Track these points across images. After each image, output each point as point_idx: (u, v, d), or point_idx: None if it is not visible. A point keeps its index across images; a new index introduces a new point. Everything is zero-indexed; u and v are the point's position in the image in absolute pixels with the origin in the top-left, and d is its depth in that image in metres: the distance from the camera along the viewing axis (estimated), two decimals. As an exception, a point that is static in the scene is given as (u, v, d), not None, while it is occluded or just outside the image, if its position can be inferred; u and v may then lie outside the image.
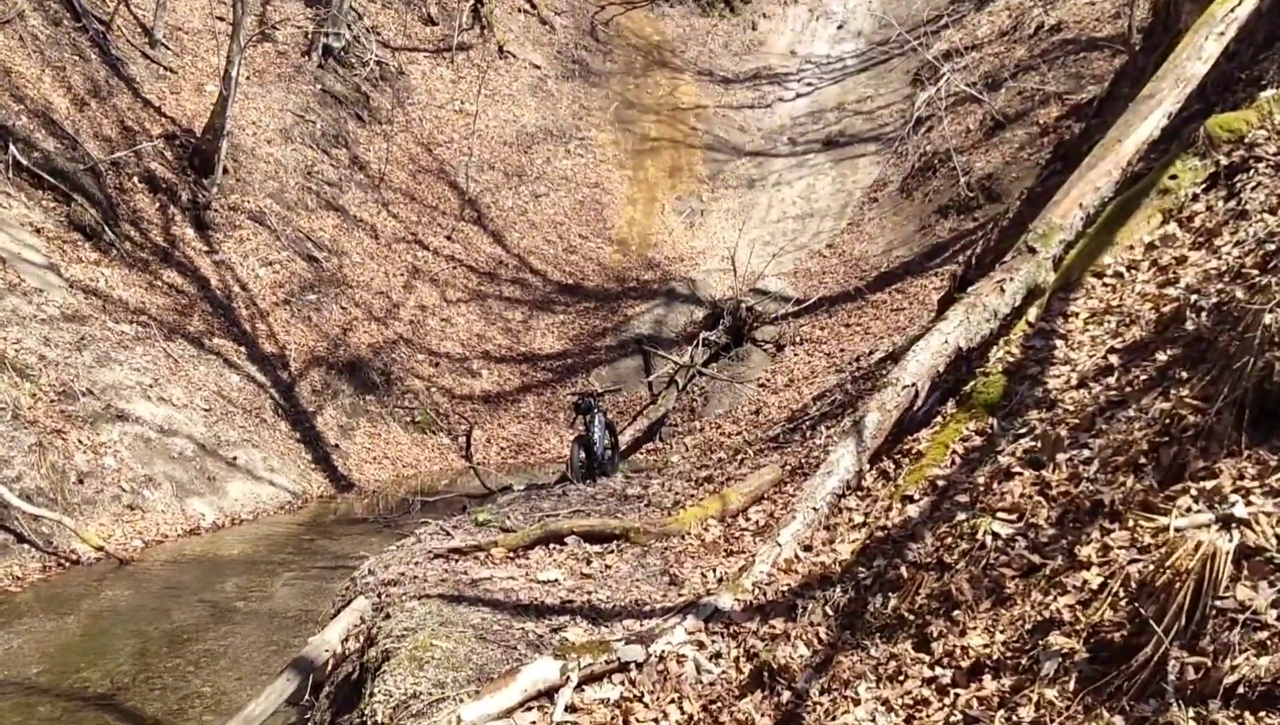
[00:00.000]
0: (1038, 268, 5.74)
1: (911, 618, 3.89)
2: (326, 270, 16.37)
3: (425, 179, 19.95)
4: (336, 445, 13.70)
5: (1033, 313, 5.34)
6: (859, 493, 5.31)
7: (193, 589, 8.73)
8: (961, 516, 4.18)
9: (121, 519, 10.13)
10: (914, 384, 5.53)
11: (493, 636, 4.72)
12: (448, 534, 6.49)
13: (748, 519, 6.10)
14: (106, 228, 13.78)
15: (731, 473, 7.44)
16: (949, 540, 4.09)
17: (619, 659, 4.35)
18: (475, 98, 20.83)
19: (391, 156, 19.79)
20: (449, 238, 18.85)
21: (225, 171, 16.52)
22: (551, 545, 5.90)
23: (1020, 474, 4.13)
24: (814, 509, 5.19)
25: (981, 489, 4.26)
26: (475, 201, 20.02)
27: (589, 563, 5.63)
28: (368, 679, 4.63)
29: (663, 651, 4.44)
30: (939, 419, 5.72)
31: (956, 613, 3.71)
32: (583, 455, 10.85)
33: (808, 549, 5.05)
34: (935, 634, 3.71)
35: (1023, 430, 4.52)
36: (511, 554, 5.84)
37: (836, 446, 5.52)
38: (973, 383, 5.53)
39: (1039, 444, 4.29)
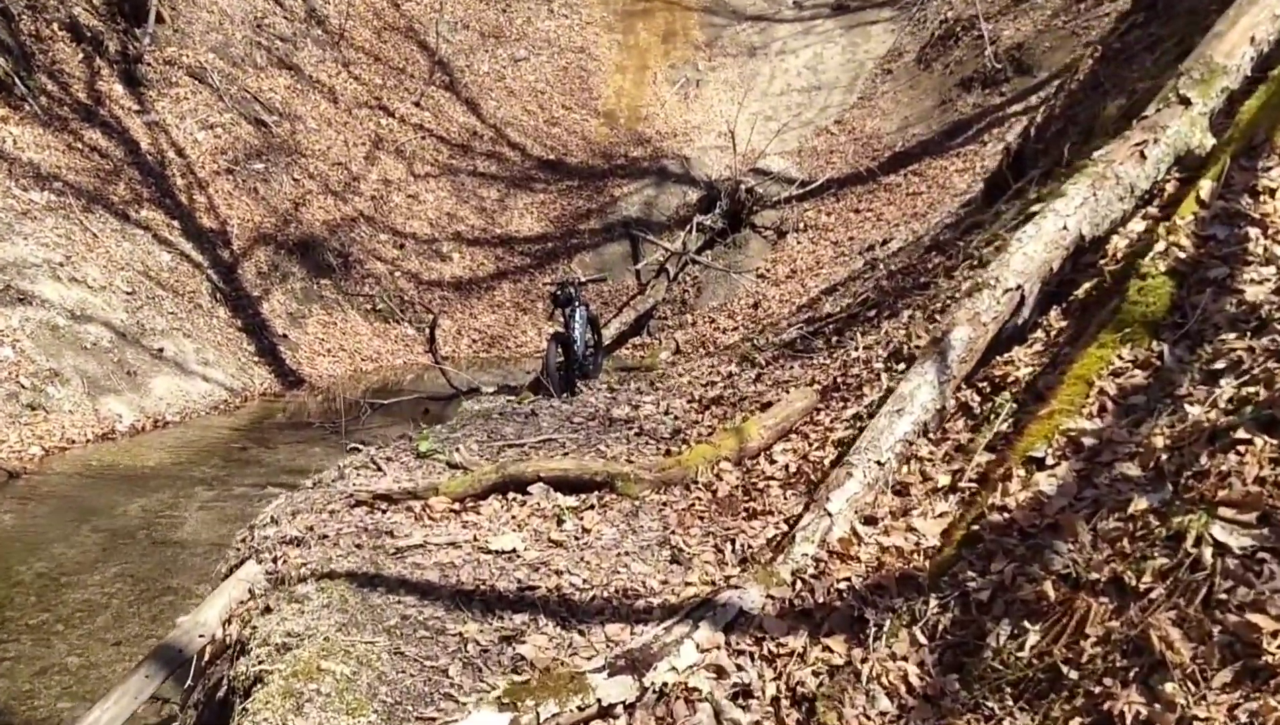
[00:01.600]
0: (1191, 126, 4.06)
1: (1074, 675, 2.37)
2: (277, 136, 14.40)
3: (391, 37, 17.74)
4: (285, 335, 12.04)
5: (1205, 188, 3.68)
6: (942, 441, 3.75)
7: (90, 511, 7.19)
8: (1143, 503, 2.63)
9: (18, 421, 8.52)
10: (1019, 287, 3.91)
11: (415, 649, 3.20)
12: (377, 469, 4.92)
13: (773, 462, 4.55)
14: (18, 80, 11.77)
15: (744, 390, 5.86)
16: (1128, 545, 2.55)
17: (598, 702, 2.85)
18: (448, -55, 18.44)
19: (354, 10, 17.54)
20: (417, 104, 16.80)
21: (160, 20, 14.37)
22: (511, 495, 4.34)
23: (1249, 443, 2.55)
24: (878, 463, 3.63)
25: (1173, 461, 2.70)
26: (447, 64, 17.88)
27: (560, 523, 4.08)
28: (233, 712, 3.13)
29: (664, 684, 2.93)
30: (1039, 335, 4.14)
31: (1164, 683, 2.19)
32: (560, 355, 9.25)
33: (870, 522, 3.50)
34: (1123, 714, 2.20)
35: (1220, 364, 2.94)
36: (457, 506, 4.29)
37: (910, 373, 3.93)
38: (1090, 286, 3.93)
39: (1260, 390, 2.71)
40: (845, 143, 16.84)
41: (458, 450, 5.02)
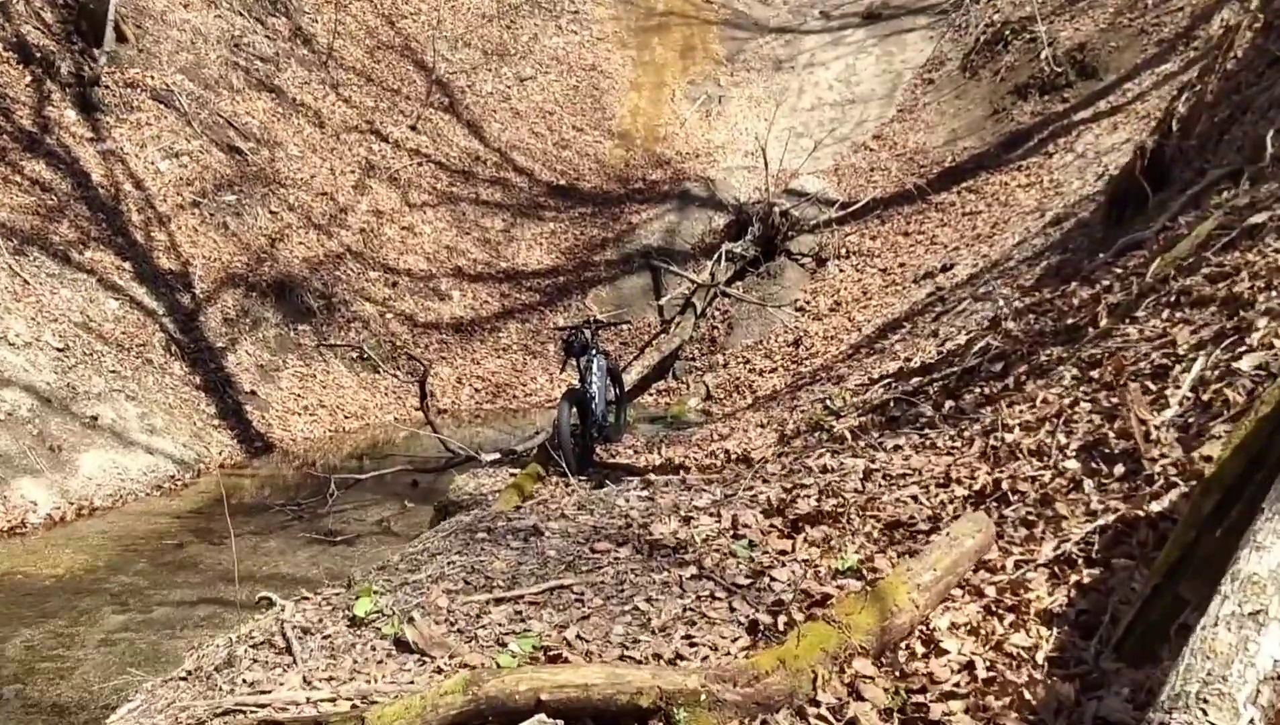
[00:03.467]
0: None
1: None
2: (253, 165, 12.63)
3: (386, 56, 16.04)
4: (252, 392, 10.17)
5: None
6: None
7: (-48, 650, 5.32)
8: None
9: (-104, 517, 6.68)
10: None
11: None
12: (284, 652, 3.02)
13: (939, 652, 2.64)
14: (-59, 104, 10.07)
15: (846, 492, 3.93)
16: None
17: None
18: (445, -44, 16.74)
19: (344, 29, 15.86)
20: (414, 128, 15.05)
21: (122, 39, 12.67)
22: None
23: None
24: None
25: None
26: (447, 85, 16.15)
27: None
28: None
29: None
30: None
31: None
32: (574, 417, 7.36)
33: None
34: None
35: None
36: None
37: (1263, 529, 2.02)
38: None
39: None
40: (887, 159, 14.99)
41: (412, 618, 3.10)
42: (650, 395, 12.75)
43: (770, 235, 13.40)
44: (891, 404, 5.38)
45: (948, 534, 2.96)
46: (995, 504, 3.48)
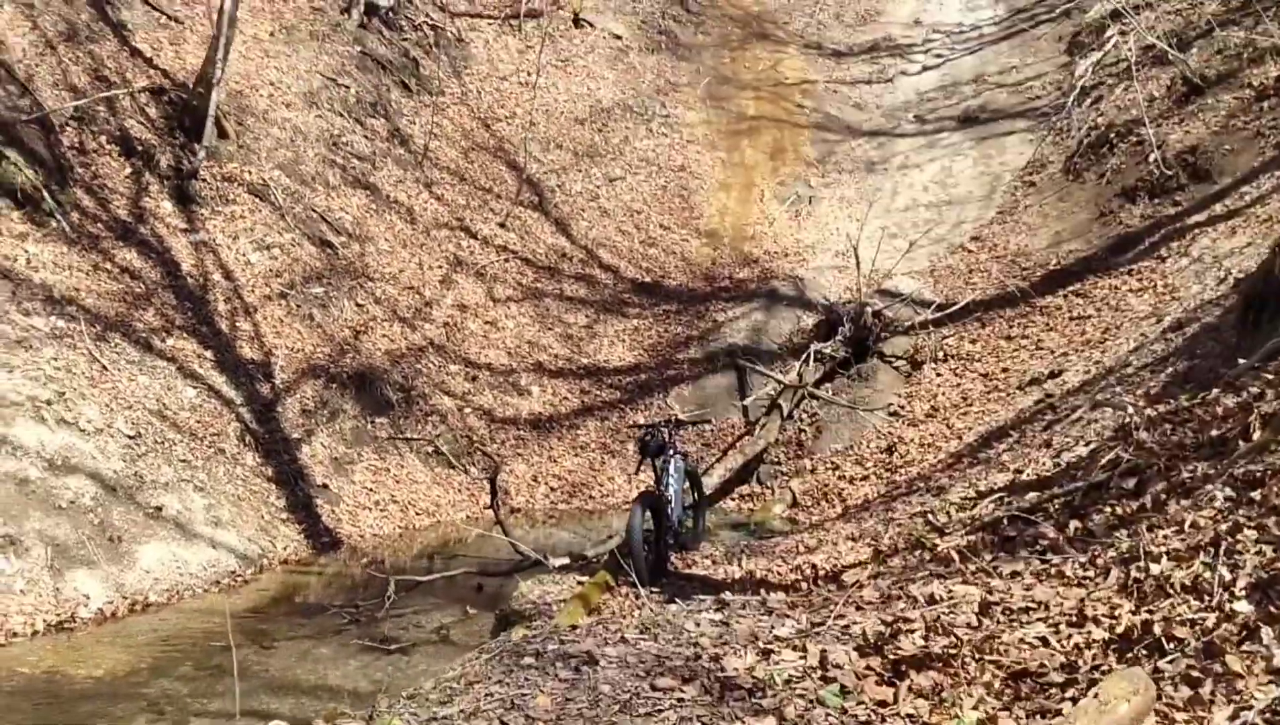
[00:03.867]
0: None
1: None
2: (343, 259, 12.70)
3: (479, 157, 16.24)
4: (324, 485, 9.91)
5: None
6: None
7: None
8: None
9: (-50, 604, 6.47)
10: None
11: None
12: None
13: None
14: (46, 194, 10.34)
15: (957, 628, 3.29)
16: None
17: None
18: (539, 61, 17.00)
19: (441, 130, 16.14)
20: (502, 225, 15.07)
21: (225, 136, 13.04)
22: None
23: None
24: None
25: None
26: (537, 184, 16.22)
27: None
28: None
29: None
30: None
31: None
32: (648, 521, 6.83)
33: None
34: None
35: None
36: None
37: None
38: None
39: None
40: (986, 261, 14.36)
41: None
42: (732, 500, 12.12)
43: (862, 335, 12.81)
44: (1005, 523, 4.72)
45: (1096, 697, 2.32)
46: (1146, 653, 2.83)
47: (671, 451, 7.31)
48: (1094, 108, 16.23)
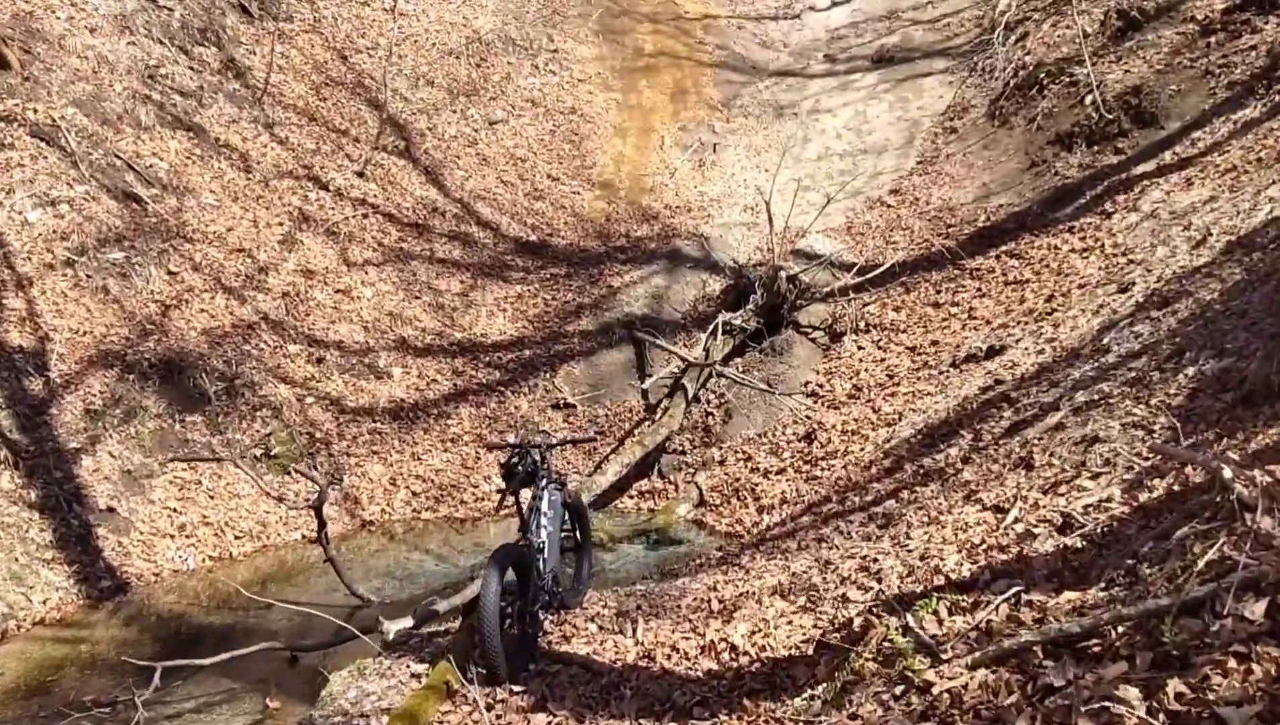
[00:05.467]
0: None
1: None
2: (153, 216, 10.32)
3: (333, 94, 13.84)
4: (109, 508, 7.73)
5: None
6: None
7: None
8: None
9: None
10: None
11: None
12: None
13: None
14: None
15: None
16: None
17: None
18: (405, -17, 14.61)
19: (287, 62, 13.68)
20: (360, 174, 12.80)
21: (5, 66, 10.49)
22: None
23: None
24: None
25: None
26: (404, 127, 13.95)
27: None
28: None
29: None
30: None
31: None
32: (508, 587, 4.99)
33: None
34: None
35: None
36: None
37: None
38: None
39: None
40: (908, 217, 12.78)
41: None
42: (630, 497, 10.38)
43: (775, 304, 11.12)
44: (1039, 658, 3.00)
45: None
46: None
47: (545, 481, 5.45)
48: (1020, 45, 14.73)
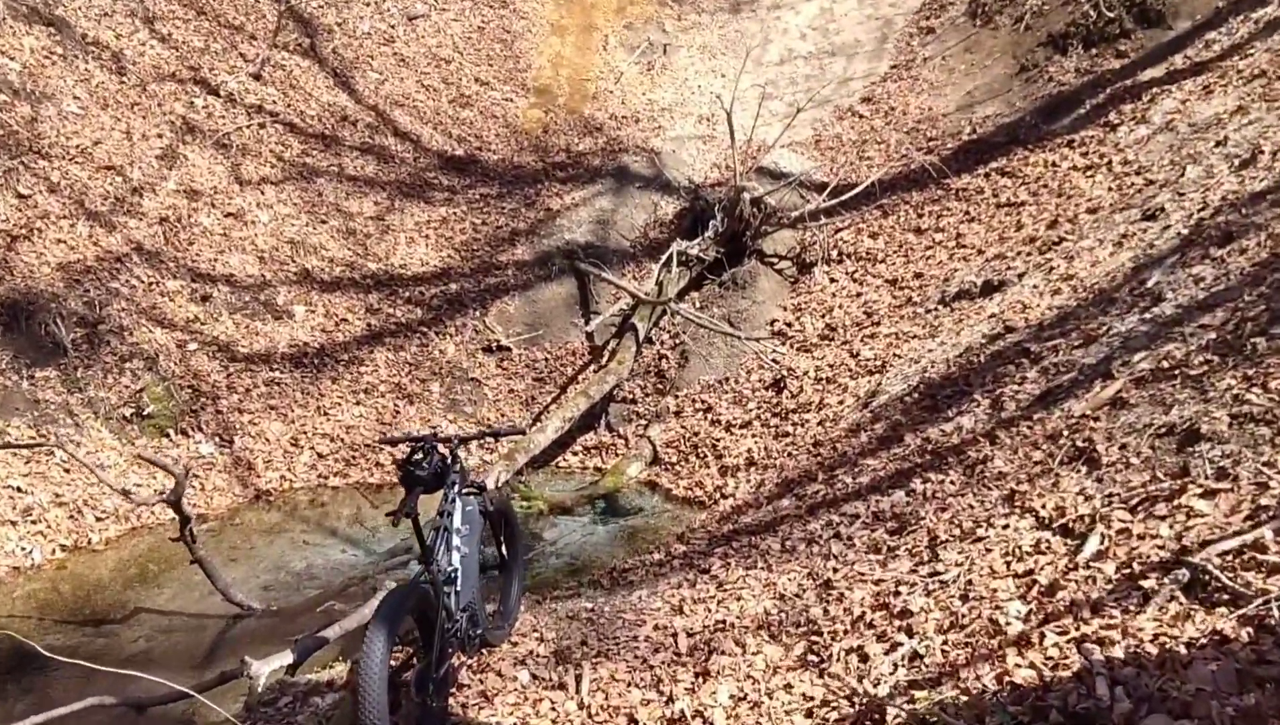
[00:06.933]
0: None
1: None
2: (0, 127, 8.55)
3: (226, -18, 11.89)
4: (-74, 494, 6.27)
5: None
6: None
7: None
8: None
9: None
10: None
11: None
12: None
13: None
14: None
15: None
16: None
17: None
18: None
19: (168, -57, 11.66)
20: (256, 77, 11.00)
21: None
22: None
23: None
24: None
25: None
26: (309, 21, 12.08)
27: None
28: None
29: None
30: None
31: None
32: (384, 672, 3.66)
33: None
34: None
35: None
36: None
37: None
38: None
39: None
40: (883, 128, 11.41)
41: None
42: (575, 453, 9.13)
43: (737, 231, 9.78)
44: None
45: None
46: None
47: (456, 486, 4.13)
48: (1003, -64, 13.22)
